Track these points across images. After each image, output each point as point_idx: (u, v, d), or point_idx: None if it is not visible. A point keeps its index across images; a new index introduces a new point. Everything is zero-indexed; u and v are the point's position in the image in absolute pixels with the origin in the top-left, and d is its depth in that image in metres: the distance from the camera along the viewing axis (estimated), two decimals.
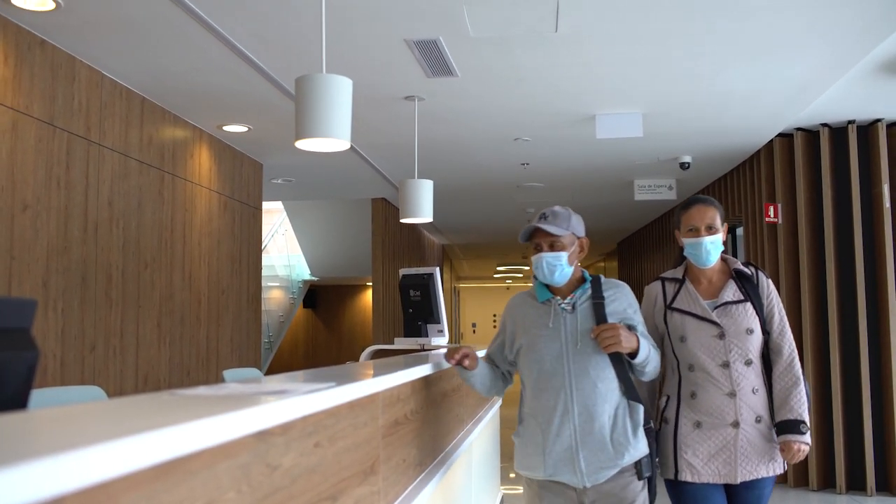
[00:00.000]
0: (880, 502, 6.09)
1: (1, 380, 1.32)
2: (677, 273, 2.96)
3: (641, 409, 2.62)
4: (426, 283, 4.72)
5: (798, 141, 6.70)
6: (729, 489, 2.80)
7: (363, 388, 1.91)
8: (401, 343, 4.81)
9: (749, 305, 2.81)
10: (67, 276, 4.55)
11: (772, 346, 2.84)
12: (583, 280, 2.70)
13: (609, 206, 10.76)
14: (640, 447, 2.59)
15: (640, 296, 2.90)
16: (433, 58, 4.69)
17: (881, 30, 4.30)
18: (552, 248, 2.63)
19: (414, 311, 4.74)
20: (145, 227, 5.47)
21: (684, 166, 7.56)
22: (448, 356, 2.70)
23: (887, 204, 6.33)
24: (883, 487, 6.22)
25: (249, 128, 6.40)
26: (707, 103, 5.78)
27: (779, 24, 4.26)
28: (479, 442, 4.26)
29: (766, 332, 2.83)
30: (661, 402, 2.92)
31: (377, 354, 4.76)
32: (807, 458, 2.87)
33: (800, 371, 2.82)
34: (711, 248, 2.83)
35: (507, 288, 27.85)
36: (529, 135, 6.69)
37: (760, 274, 2.91)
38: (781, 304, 2.91)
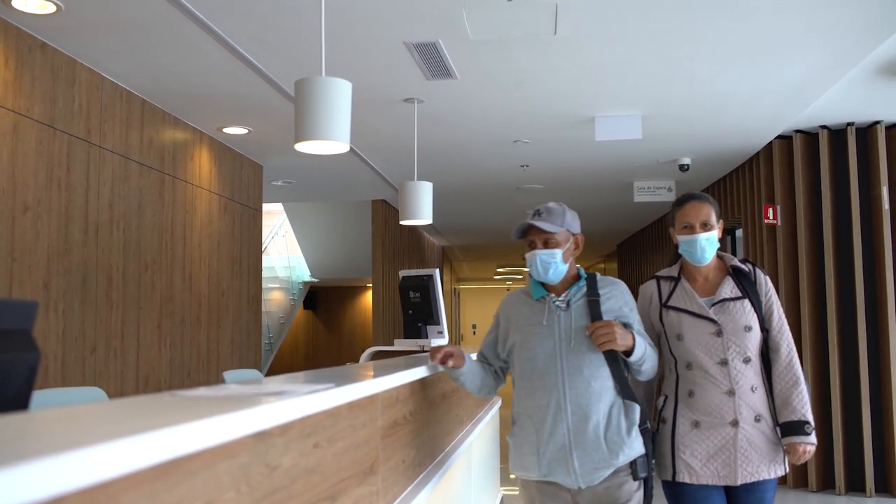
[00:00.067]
0: (880, 503, 6.10)
1: (2, 381, 1.33)
2: (672, 271, 2.92)
3: (637, 408, 2.56)
4: (426, 284, 4.73)
5: (797, 143, 6.71)
6: (729, 491, 2.74)
7: (362, 390, 1.92)
8: (400, 344, 4.81)
9: (747, 302, 2.76)
10: (68, 277, 4.56)
11: (770, 345, 2.79)
12: (578, 277, 2.67)
13: (609, 208, 10.76)
14: (635, 447, 2.54)
15: (637, 296, 2.86)
16: (433, 60, 4.70)
17: (881, 31, 4.31)
18: (546, 245, 2.59)
19: (414, 313, 4.75)
20: (146, 228, 5.48)
21: (684, 168, 7.56)
22: (431, 355, 2.65)
23: (886, 206, 6.34)
24: (882, 488, 6.23)
25: (249, 130, 6.42)
26: (706, 105, 5.78)
27: (778, 25, 4.27)
28: (478, 443, 4.27)
29: (765, 330, 2.78)
30: (658, 402, 2.87)
31: (377, 356, 4.77)
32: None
33: (800, 369, 2.78)
34: (707, 244, 2.79)
35: (508, 289, 27.85)
36: (529, 137, 6.70)
37: (758, 271, 2.86)
38: (779, 302, 2.86)
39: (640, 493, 2.57)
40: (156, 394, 1.54)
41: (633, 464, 2.54)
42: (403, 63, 4.78)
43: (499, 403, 5.48)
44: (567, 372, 2.53)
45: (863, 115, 6.31)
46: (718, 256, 2.87)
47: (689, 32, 4.37)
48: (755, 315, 2.75)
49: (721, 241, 2.87)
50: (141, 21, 4.16)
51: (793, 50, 4.63)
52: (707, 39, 4.47)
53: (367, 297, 17.38)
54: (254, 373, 3.91)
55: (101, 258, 4.92)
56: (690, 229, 2.79)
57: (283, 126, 6.08)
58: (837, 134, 6.59)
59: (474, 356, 2.84)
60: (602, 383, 2.53)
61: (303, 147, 3.34)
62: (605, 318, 2.55)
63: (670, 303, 2.83)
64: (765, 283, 2.83)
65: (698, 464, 2.70)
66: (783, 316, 2.84)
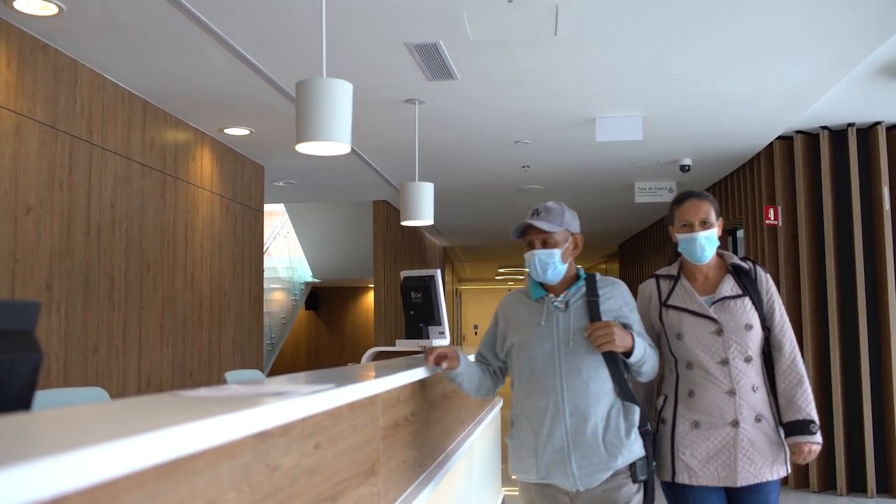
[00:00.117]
0: None
1: (5, 381, 1.34)
2: (672, 270, 2.88)
3: (637, 410, 2.53)
4: (427, 285, 4.73)
5: (798, 143, 6.71)
6: (732, 493, 2.70)
7: (363, 390, 1.93)
8: (402, 345, 4.81)
9: (747, 300, 2.73)
10: (70, 278, 4.57)
11: (773, 343, 2.75)
12: (577, 278, 2.63)
13: (610, 209, 10.76)
14: (634, 449, 2.50)
15: (637, 295, 2.83)
16: (433, 61, 4.71)
17: (881, 31, 4.31)
18: (545, 245, 2.56)
19: (415, 313, 4.74)
20: (147, 229, 5.49)
21: (684, 169, 7.57)
22: (426, 357, 2.61)
23: (887, 206, 6.34)
24: (883, 489, 6.23)
25: (251, 131, 6.42)
26: (707, 106, 5.79)
27: (778, 26, 4.27)
28: (479, 443, 4.28)
29: (766, 329, 2.75)
30: (658, 402, 2.83)
31: (379, 356, 4.77)
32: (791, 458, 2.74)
33: (803, 368, 2.74)
34: (706, 243, 2.75)
35: (509, 290, 27.86)
36: (530, 138, 6.70)
37: (758, 269, 2.82)
38: (781, 300, 2.82)
39: (640, 496, 2.54)
40: (157, 394, 1.54)
41: (632, 466, 2.50)
42: (404, 64, 4.78)
43: (500, 404, 5.48)
44: (565, 373, 2.50)
45: (863, 116, 6.31)
46: (718, 255, 2.83)
47: (690, 33, 4.37)
48: (756, 313, 2.71)
49: (721, 240, 2.83)
50: (142, 22, 4.17)
51: (793, 51, 4.64)
52: (708, 40, 4.47)
53: (369, 298, 17.39)
54: (255, 373, 3.92)
55: (103, 259, 4.93)
56: (690, 227, 2.76)
57: (284, 127, 6.09)
58: (838, 134, 6.59)
59: (472, 357, 2.81)
60: (601, 385, 2.50)
61: (304, 148, 3.34)
62: (604, 318, 2.52)
63: (670, 302, 2.79)
64: (765, 280, 2.80)
65: (697, 465, 2.66)
66: (785, 314, 2.80)
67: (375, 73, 4.95)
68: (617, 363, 2.53)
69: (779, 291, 2.91)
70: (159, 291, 5.63)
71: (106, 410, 1.34)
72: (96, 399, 2.13)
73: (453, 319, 21.41)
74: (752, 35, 4.39)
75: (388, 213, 10.64)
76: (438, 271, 4.74)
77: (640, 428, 2.54)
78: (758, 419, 2.67)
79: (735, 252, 8.16)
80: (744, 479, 2.64)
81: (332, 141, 3.21)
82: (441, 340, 4.72)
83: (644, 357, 2.53)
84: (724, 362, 2.67)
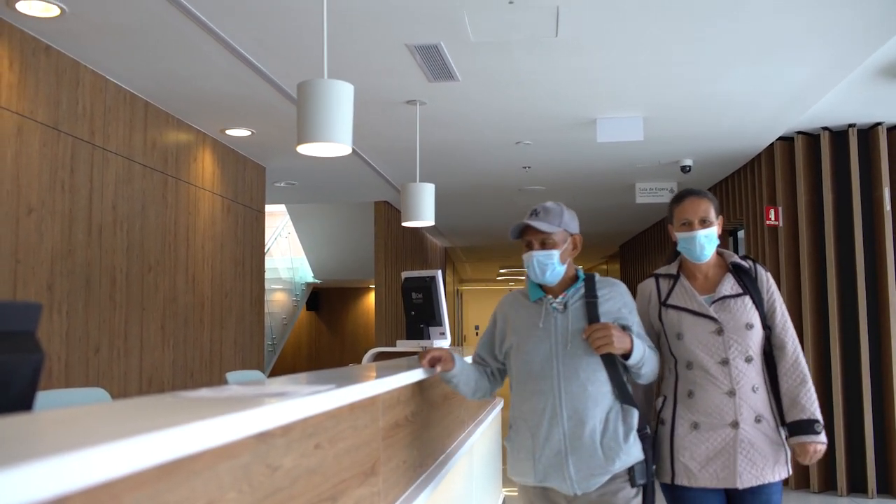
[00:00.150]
0: None
1: (7, 382, 1.35)
2: (671, 269, 2.84)
3: (636, 413, 2.50)
4: (428, 285, 4.74)
5: (799, 144, 6.72)
6: (734, 495, 2.65)
7: (363, 391, 1.93)
8: (403, 345, 4.82)
9: (748, 299, 2.68)
10: (72, 279, 4.58)
11: (775, 343, 2.71)
12: (576, 279, 2.60)
13: (611, 209, 10.77)
14: (633, 453, 2.47)
15: (636, 295, 2.80)
16: (434, 62, 4.71)
17: (882, 32, 4.31)
18: (543, 245, 2.53)
19: (416, 314, 4.75)
20: (149, 230, 5.50)
21: (685, 169, 7.57)
22: (419, 359, 2.58)
23: (888, 207, 6.34)
24: (884, 489, 6.23)
25: (252, 132, 6.43)
26: (708, 107, 5.79)
27: (779, 26, 4.27)
28: (480, 444, 4.28)
29: (767, 328, 2.70)
30: (657, 403, 2.79)
31: (379, 357, 4.78)
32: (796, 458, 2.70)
33: (806, 367, 2.70)
34: (706, 241, 2.71)
35: (510, 290, 27.76)
36: (531, 138, 6.71)
37: (759, 267, 2.78)
38: (782, 299, 2.78)
39: (639, 500, 2.50)
40: (159, 395, 1.55)
41: (630, 470, 2.47)
42: (405, 65, 4.79)
43: (501, 404, 5.48)
44: (563, 376, 2.47)
45: (864, 117, 6.31)
46: (718, 253, 2.79)
47: (690, 34, 4.38)
48: (757, 312, 2.68)
49: (722, 241, 2.79)
50: (144, 24, 4.18)
51: (794, 51, 4.64)
52: (708, 41, 4.48)
53: (370, 299, 17.40)
54: (256, 374, 3.92)
55: (105, 260, 4.94)
56: (689, 226, 2.72)
57: (285, 128, 6.10)
58: (839, 135, 6.60)
59: (469, 359, 2.79)
60: (599, 387, 2.46)
61: (305, 149, 3.35)
62: (602, 320, 2.48)
63: (669, 301, 2.75)
64: (766, 279, 2.76)
65: (697, 466, 2.63)
66: (786, 313, 2.76)
67: (376, 74, 4.96)
68: (616, 365, 2.50)
69: (779, 292, 2.88)
70: (160, 292, 5.64)
71: (107, 411, 1.34)
72: (97, 400, 2.14)
73: (454, 320, 21.42)
74: (753, 36, 4.40)
75: (389, 213, 10.65)
76: (439, 272, 4.75)
77: (639, 431, 2.51)
78: (758, 420, 2.63)
79: (736, 252, 8.16)
80: (745, 480, 2.59)
81: (333, 142, 3.22)
82: (442, 341, 4.72)
83: (643, 359, 2.50)
84: (725, 362, 2.63)
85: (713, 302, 2.69)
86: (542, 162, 7.66)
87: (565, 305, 2.54)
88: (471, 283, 28.86)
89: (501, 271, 24.71)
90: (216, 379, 6.39)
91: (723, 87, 5.33)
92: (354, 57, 4.64)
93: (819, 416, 2.64)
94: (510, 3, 3.87)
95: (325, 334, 18.70)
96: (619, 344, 2.42)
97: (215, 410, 1.20)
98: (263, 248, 7.86)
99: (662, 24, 4.23)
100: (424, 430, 2.81)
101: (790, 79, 5.15)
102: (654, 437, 2.73)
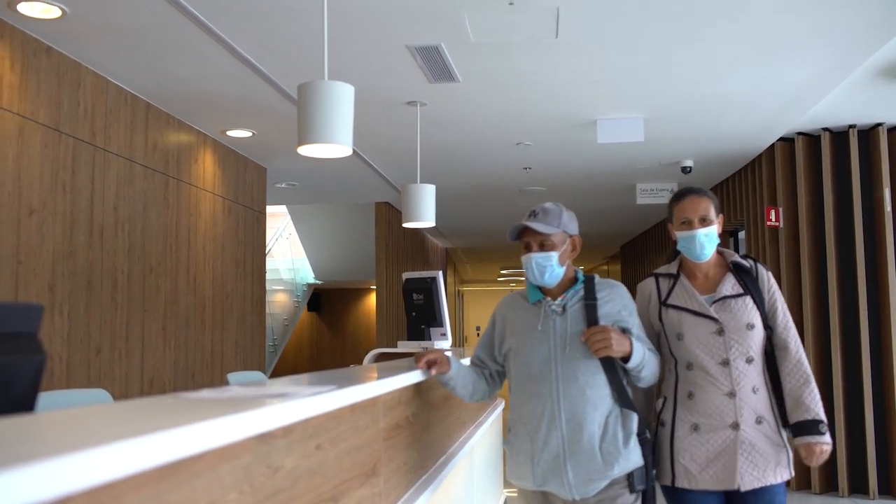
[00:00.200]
0: None
1: (9, 383, 1.35)
2: (671, 268, 2.79)
3: (635, 417, 2.46)
4: (429, 286, 4.74)
5: (799, 145, 6.72)
6: (736, 498, 2.61)
7: (364, 392, 1.94)
8: (404, 346, 4.83)
9: (749, 299, 2.64)
10: (73, 280, 4.58)
11: (776, 343, 2.67)
12: (575, 280, 2.57)
13: (611, 210, 10.77)
14: (632, 458, 2.44)
15: (636, 295, 2.78)
16: (435, 63, 4.72)
17: (882, 33, 4.31)
18: (542, 247, 2.50)
19: (417, 315, 4.76)
20: (150, 231, 5.50)
21: (686, 170, 7.57)
22: (415, 361, 2.55)
23: (888, 208, 6.34)
24: (885, 490, 6.23)
25: (253, 133, 6.44)
26: (708, 108, 5.79)
27: (779, 27, 4.28)
28: (481, 445, 4.28)
29: (769, 328, 2.66)
30: (657, 404, 2.75)
31: (381, 358, 4.78)
32: (802, 460, 2.67)
33: (809, 367, 2.66)
34: (706, 240, 2.67)
35: (512, 291, 27.76)
36: (531, 139, 6.71)
37: (760, 267, 2.74)
38: (783, 298, 2.73)
39: None
40: (160, 396, 1.55)
41: (629, 476, 2.43)
42: (406, 66, 4.80)
43: (502, 405, 5.49)
44: (561, 379, 2.44)
45: (865, 118, 6.32)
46: (719, 252, 2.76)
47: (691, 35, 4.38)
48: (758, 312, 2.64)
49: (723, 241, 2.75)
50: (145, 25, 4.18)
51: (794, 52, 4.64)
52: (708, 42, 4.48)
53: (371, 299, 17.41)
54: (258, 375, 3.93)
55: (106, 261, 4.94)
56: (689, 225, 2.68)
57: (286, 129, 6.11)
58: (839, 136, 6.60)
59: (467, 361, 2.77)
60: (598, 391, 2.43)
61: (305, 150, 3.35)
62: (602, 322, 2.45)
63: (670, 301, 2.71)
64: (767, 279, 2.72)
65: (697, 468, 2.59)
66: (787, 312, 2.72)
67: (377, 75, 4.96)
68: (615, 369, 2.46)
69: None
70: (162, 293, 5.64)
71: (109, 412, 1.35)
72: (99, 401, 2.14)
73: (455, 321, 21.42)
74: (753, 37, 4.40)
75: (389, 214, 10.65)
76: (440, 273, 4.76)
77: (638, 436, 2.48)
78: (758, 421, 2.59)
79: (737, 253, 8.15)
80: (746, 482, 2.56)
81: (333, 143, 3.22)
82: (443, 342, 4.73)
83: (643, 362, 2.46)
84: (725, 363, 2.59)
85: (714, 302, 2.65)
86: (542, 163, 7.67)
87: (564, 308, 2.51)
88: (472, 283, 28.86)
89: (502, 272, 24.71)
90: (217, 380, 6.39)
91: (723, 88, 5.33)
92: (355, 58, 4.64)
93: (823, 416, 2.62)
94: (510, 4, 3.88)
95: (326, 335, 18.72)
96: (618, 347, 2.38)
97: (216, 411, 1.20)
98: (264, 249, 7.86)
99: (663, 25, 4.23)
100: (425, 431, 2.82)
101: (790, 80, 5.15)
102: (655, 439, 2.69)
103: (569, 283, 2.57)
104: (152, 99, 5.48)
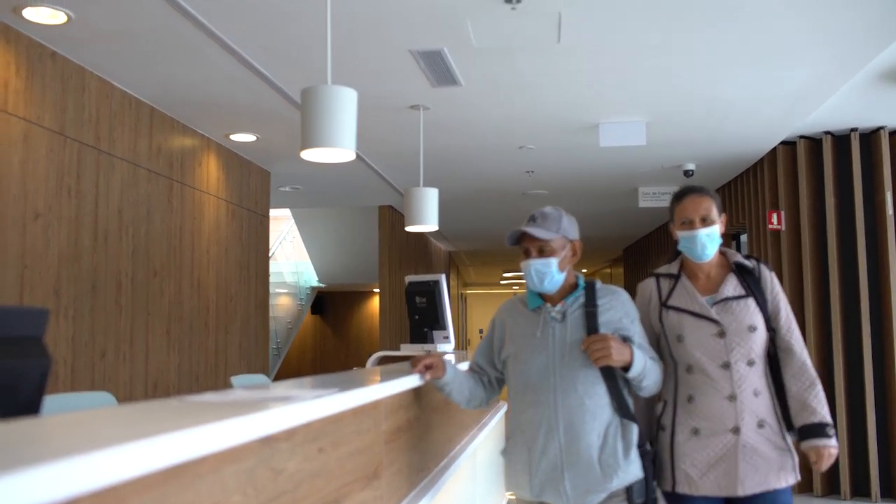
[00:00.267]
0: None
1: (15, 386, 1.37)
2: (672, 268, 2.73)
3: (636, 428, 2.40)
4: (432, 290, 4.75)
5: (801, 148, 6.72)
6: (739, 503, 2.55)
7: (366, 395, 1.95)
8: (407, 349, 4.83)
9: (751, 301, 2.58)
10: (78, 283, 4.60)
11: (780, 345, 2.61)
12: (576, 286, 2.50)
13: (614, 213, 10.77)
14: (631, 470, 2.36)
15: (636, 295, 2.74)
16: (438, 68, 4.74)
17: (884, 35, 4.31)
18: (541, 253, 2.43)
19: (420, 318, 4.76)
20: (154, 235, 5.53)
21: (688, 174, 7.58)
22: (411, 365, 2.50)
23: (890, 211, 6.34)
24: (887, 494, 6.22)
25: (257, 137, 6.46)
26: (710, 111, 5.80)
27: (780, 31, 4.28)
28: (483, 447, 4.29)
29: (771, 330, 2.60)
30: (657, 408, 2.70)
31: (384, 360, 4.80)
32: (808, 462, 2.61)
33: (813, 369, 2.60)
34: (707, 241, 2.60)
35: (514, 294, 27.73)
36: (534, 143, 6.73)
37: (763, 267, 2.67)
38: (787, 299, 2.67)
39: None
40: (164, 399, 1.57)
41: (629, 489, 2.37)
42: (409, 71, 4.81)
43: (504, 408, 5.49)
44: (560, 388, 2.37)
45: (866, 121, 6.32)
46: (721, 253, 2.69)
47: (692, 39, 4.39)
48: (760, 314, 2.58)
49: (724, 243, 2.69)
50: (149, 30, 4.21)
51: (796, 55, 4.65)
52: (710, 46, 4.49)
53: (374, 302, 17.42)
54: (261, 378, 3.94)
55: (111, 264, 4.96)
56: (690, 225, 2.62)
57: (290, 133, 6.13)
58: (841, 139, 6.60)
59: (466, 365, 2.74)
60: (597, 401, 2.37)
61: (309, 155, 3.36)
62: (602, 330, 2.39)
63: (670, 302, 2.65)
64: (770, 279, 2.66)
65: (697, 473, 2.54)
66: (791, 314, 2.66)
67: (380, 79, 4.98)
68: (615, 378, 2.40)
69: None
70: (166, 296, 5.66)
71: (113, 415, 1.36)
72: (104, 404, 2.15)
73: (458, 324, 21.42)
74: (755, 40, 4.41)
75: (393, 218, 10.66)
76: (443, 276, 4.76)
77: (639, 447, 2.41)
78: (760, 425, 2.54)
79: None
80: (749, 487, 2.50)
81: (337, 148, 3.23)
82: (445, 345, 4.74)
83: (644, 372, 2.39)
84: (726, 366, 2.53)
85: (715, 303, 2.59)
86: (545, 166, 7.68)
87: (564, 315, 2.45)
88: (475, 286, 28.84)
89: (505, 275, 24.69)
90: (221, 383, 6.41)
91: (725, 92, 5.34)
92: (358, 62, 4.66)
93: (829, 419, 2.55)
94: (512, 9, 3.89)
95: (329, 338, 18.73)
96: (617, 356, 2.32)
97: (220, 415, 1.21)
98: (268, 253, 7.88)
99: (664, 28, 4.24)
100: (427, 433, 2.83)
101: (792, 83, 5.16)
102: (655, 444, 2.65)
103: (569, 289, 2.51)
104: (156, 103, 5.51)
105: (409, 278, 4.86)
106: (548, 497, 2.39)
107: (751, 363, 2.55)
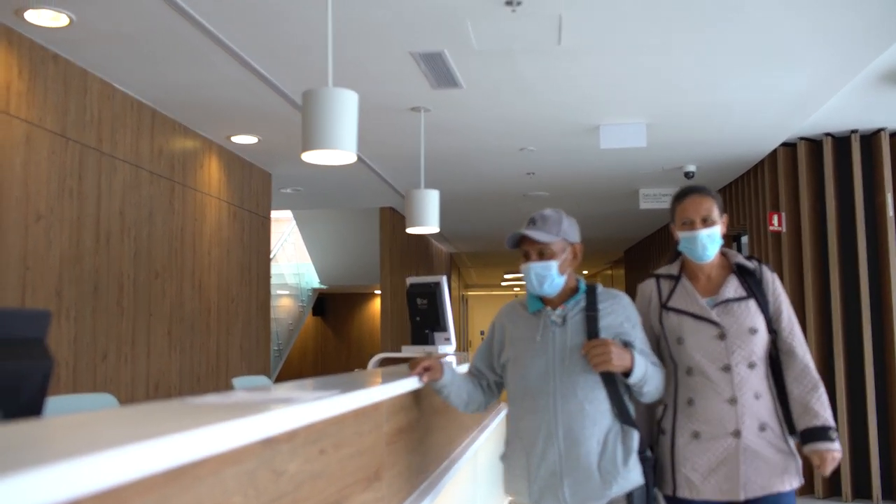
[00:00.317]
0: None
1: (17, 388, 1.37)
2: (672, 269, 2.69)
3: (636, 434, 2.37)
4: (433, 291, 4.75)
5: (801, 150, 6.73)
6: None
7: (367, 397, 1.95)
8: (408, 351, 4.84)
9: (752, 303, 2.54)
10: (80, 285, 4.61)
11: (782, 348, 2.57)
12: (577, 290, 2.46)
13: (615, 215, 10.78)
14: (631, 477, 2.33)
15: (636, 296, 2.71)
16: (438, 70, 4.74)
17: (884, 37, 4.32)
18: (541, 256, 2.40)
19: (421, 320, 4.77)
20: (156, 236, 5.53)
21: (689, 175, 7.58)
22: (410, 368, 2.47)
23: (891, 213, 6.34)
24: (888, 495, 6.22)
25: (258, 138, 6.47)
26: (711, 113, 5.81)
27: (781, 32, 4.28)
28: (485, 449, 4.29)
29: (773, 332, 2.56)
30: (658, 411, 2.65)
31: (385, 362, 4.80)
32: (811, 465, 2.56)
33: (816, 372, 2.55)
34: (708, 241, 2.56)
35: (516, 296, 27.73)
36: (534, 145, 6.73)
37: (764, 268, 2.63)
38: (788, 301, 2.63)
39: None
40: (166, 400, 1.57)
41: (629, 496, 2.33)
42: (409, 73, 4.82)
43: (505, 410, 5.49)
44: (559, 393, 2.33)
45: (867, 123, 6.32)
46: (722, 253, 2.66)
47: (693, 41, 4.40)
48: (761, 316, 2.54)
49: (725, 242, 2.65)
50: (151, 32, 4.22)
51: (796, 57, 4.65)
52: (710, 47, 4.49)
53: (376, 304, 17.42)
54: (263, 379, 3.94)
55: (113, 266, 4.97)
56: (691, 225, 2.58)
57: (291, 135, 6.14)
58: (842, 141, 6.61)
59: (465, 367, 2.72)
60: (597, 406, 2.33)
61: (310, 157, 3.37)
62: (602, 334, 2.36)
63: (670, 304, 2.61)
64: (772, 281, 2.62)
65: (698, 478, 2.50)
66: (794, 316, 2.61)
67: (381, 81, 4.99)
68: (615, 384, 2.36)
69: None
70: (167, 298, 5.67)
71: (115, 416, 1.36)
72: (105, 405, 2.16)
73: (460, 325, 21.42)
74: (756, 42, 4.41)
75: (394, 219, 10.67)
76: (444, 277, 4.76)
77: (639, 453, 2.38)
78: (762, 428, 2.50)
79: None
80: (750, 491, 2.46)
81: (338, 150, 3.23)
82: (447, 346, 4.74)
83: (645, 378, 2.35)
84: (727, 369, 2.49)
85: (715, 305, 2.56)
86: (546, 168, 7.68)
87: (564, 319, 2.41)
88: (476, 288, 28.84)
89: (507, 276, 24.68)
90: (222, 384, 6.42)
91: (725, 94, 5.34)
92: (359, 65, 4.67)
93: (833, 422, 2.51)
94: (513, 11, 3.90)
95: (330, 340, 18.73)
96: (618, 361, 2.29)
97: (221, 416, 1.22)
98: (269, 254, 7.89)
99: (664, 30, 4.24)
100: (428, 435, 2.83)
101: (793, 84, 5.16)
102: (655, 448, 2.62)
103: (570, 292, 2.47)
104: (158, 105, 5.52)
105: (410, 280, 4.86)
106: (547, 503, 2.36)
107: (752, 366, 2.51)
